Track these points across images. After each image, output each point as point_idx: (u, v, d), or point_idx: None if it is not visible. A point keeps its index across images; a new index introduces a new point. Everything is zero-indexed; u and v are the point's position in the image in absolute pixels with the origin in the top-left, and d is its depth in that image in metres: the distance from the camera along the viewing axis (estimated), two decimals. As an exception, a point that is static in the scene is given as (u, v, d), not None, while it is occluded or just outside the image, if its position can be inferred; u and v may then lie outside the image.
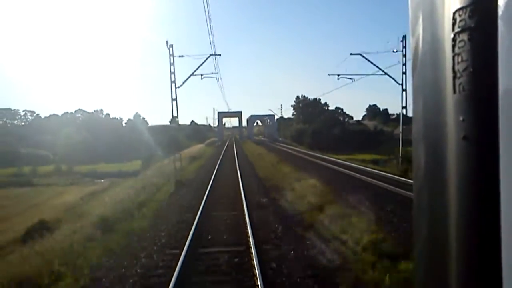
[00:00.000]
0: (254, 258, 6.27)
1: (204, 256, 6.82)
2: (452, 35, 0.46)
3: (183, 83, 18.92)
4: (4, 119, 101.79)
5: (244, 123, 79.87)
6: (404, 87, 20.54)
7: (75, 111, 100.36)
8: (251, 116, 78.01)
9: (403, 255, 5.88)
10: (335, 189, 12.01)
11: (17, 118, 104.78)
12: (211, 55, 20.72)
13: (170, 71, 17.60)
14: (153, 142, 61.96)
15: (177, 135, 69.24)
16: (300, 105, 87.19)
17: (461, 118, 0.45)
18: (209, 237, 8.02)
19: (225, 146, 50.57)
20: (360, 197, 9.73)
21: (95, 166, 54.47)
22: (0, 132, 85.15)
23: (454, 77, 0.46)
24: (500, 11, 0.41)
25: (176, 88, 17.77)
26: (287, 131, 77.32)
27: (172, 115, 18.92)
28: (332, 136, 61.26)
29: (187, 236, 7.58)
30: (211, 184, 15.23)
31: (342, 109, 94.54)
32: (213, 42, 32.57)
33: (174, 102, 18.13)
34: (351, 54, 22.41)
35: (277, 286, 5.43)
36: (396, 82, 20.75)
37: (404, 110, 21.84)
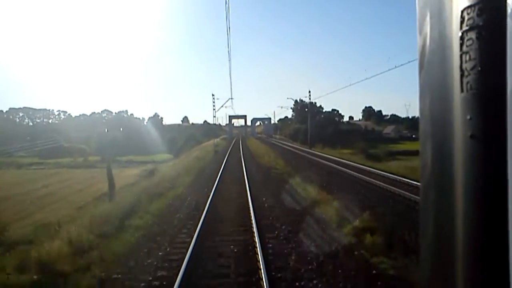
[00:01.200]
0: (242, 160, 26.52)
1: (230, 161, 26.07)
2: (460, 34, 0.46)
3: (218, 109, 36.37)
4: (42, 118, 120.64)
5: (249, 123, 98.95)
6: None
7: (102, 111, 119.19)
8: (253, 118, 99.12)
9: (288, 162, 24.16)
10: (274, 151, 33.91)
11: (52, 117, 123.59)
12: (229, 98, 44.59)
13: (213, 107, 35.07)
14: (174, 138, 79.10)
15: (194, 133, 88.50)
16: (298, 107, 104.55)
17: (468, 117, 0.45)
18: (230, 160, 26.51)
19: (234, 140, 68.50)
20: (282, 152, 28.59)
21: (129, 157, 71.44)
22: (42, 129, 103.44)
23: (462, 76, 0.46)
24: (509, 9, 0.41)
25: (215, 111, 32.51)
26: (287, 130, 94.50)
27: (214, 122, 40.21)
28: (325, 135, 77.16)
29: (223, 159, 26.73)
30: (229, 152, 34.27)
31: (337, 111, 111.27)
32: (231, 89, 56.06)
33: (215, 118, 32.97)
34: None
35: (247, 164, 23.97)
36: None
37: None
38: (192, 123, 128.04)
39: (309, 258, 6.38)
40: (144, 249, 7.14)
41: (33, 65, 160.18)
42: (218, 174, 18.71)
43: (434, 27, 0.51)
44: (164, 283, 5.63)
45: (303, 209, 9.96)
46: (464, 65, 0.46)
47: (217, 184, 15.25)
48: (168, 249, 7.16)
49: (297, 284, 5.43)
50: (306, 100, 73.61)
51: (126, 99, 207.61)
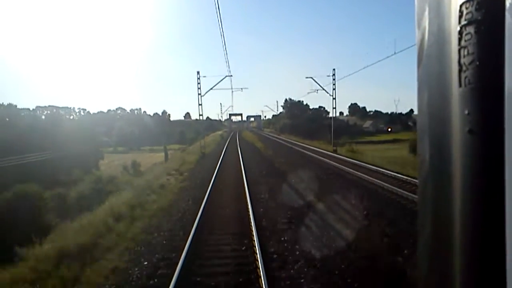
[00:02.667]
0: (238, 140, 50.10)
1: (232, 138, 48.66)
2: (458, 28, 0.47)
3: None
4: (64, 115, 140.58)
5: (245, 119, 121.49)
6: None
7: (116, 109, 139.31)
8: (248, 116, 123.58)
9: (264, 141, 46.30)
10: (257, 137, 59.83)
11: (73, 114, 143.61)
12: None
13: (220, 111, 36.38)
14: (183, 132, 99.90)
15: (199, 127, 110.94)
16: (288, 105, 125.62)
17: (466, 112, 0.46)
18: (231, 137, 49.79)
19: (232, 132, 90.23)
20: (261, 137, 52.21)
21: (150, 147, 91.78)
22: (71, 126, 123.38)
23: (460, 71, 0.46)
24: (507, 3, 0.42)
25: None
26: (278, 125, 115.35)
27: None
28: (309, 128, 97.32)
29: (228, 138, 51.58)
30: (230, 138, 59.36)
31: (324, 107, 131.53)
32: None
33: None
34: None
35: (240, 141, 46.61)
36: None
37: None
38: (196, 119, 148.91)
39: (251, 149, 30.36)
40: (215, 150, 30.52)
41: (55, 67, 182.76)
42: (226, 144, 43.23)
43: (432, 21, 0.52)
44: (222, 150, 29.20)
45: (254, 147, 35.61)
46: (462, 60, 0.46)
47: (226, 146, 39.68)
48: (219, 150, 31.74)
49: (246, 153, 28.53)
50: (294, 98, 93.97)
51: (138, 97, 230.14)
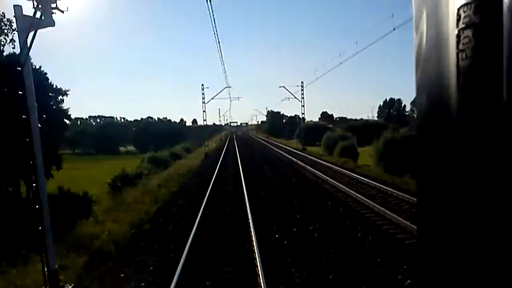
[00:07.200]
0: (234, 135, 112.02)
1: (231, 136, 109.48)
2: (456, 32, 0.47)
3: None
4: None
5: (239, 124, 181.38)
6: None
7: (147, 117, 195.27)
8: (241, 122, 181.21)
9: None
10: (244, 134, 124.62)
11: (116, 121, 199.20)
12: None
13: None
14: (197, 134, 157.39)
15: (209, 130, 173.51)
16: (270, 114, 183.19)
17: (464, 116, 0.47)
18: (230, 136, 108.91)
19: (232, 133, 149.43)
20: (246, 135, 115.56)
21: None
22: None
23: (458, 74, 0.47)
24: (505, 7, 0.42)
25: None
26: (262, 129, 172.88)
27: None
28: (278, 131, 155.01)
29: (228, 136, 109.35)
30: (230, 135, 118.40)
31: (298, 115, 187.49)
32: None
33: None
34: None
35: (236, 135, 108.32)
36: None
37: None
38: (206, 124, 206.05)
39: (239, 136, 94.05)
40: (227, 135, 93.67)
41: (100, 84, 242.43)
42: (228, 137, 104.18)
43: (430, 25, 0.52)
44: (229, 136, 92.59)
45: (238, 136, 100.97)
46: (460, 63, 0.47)
47: (229, 138, 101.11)
48: (227, 135, 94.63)
49: (237, 135, 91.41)
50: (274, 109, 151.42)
51: (161, 107, 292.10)
